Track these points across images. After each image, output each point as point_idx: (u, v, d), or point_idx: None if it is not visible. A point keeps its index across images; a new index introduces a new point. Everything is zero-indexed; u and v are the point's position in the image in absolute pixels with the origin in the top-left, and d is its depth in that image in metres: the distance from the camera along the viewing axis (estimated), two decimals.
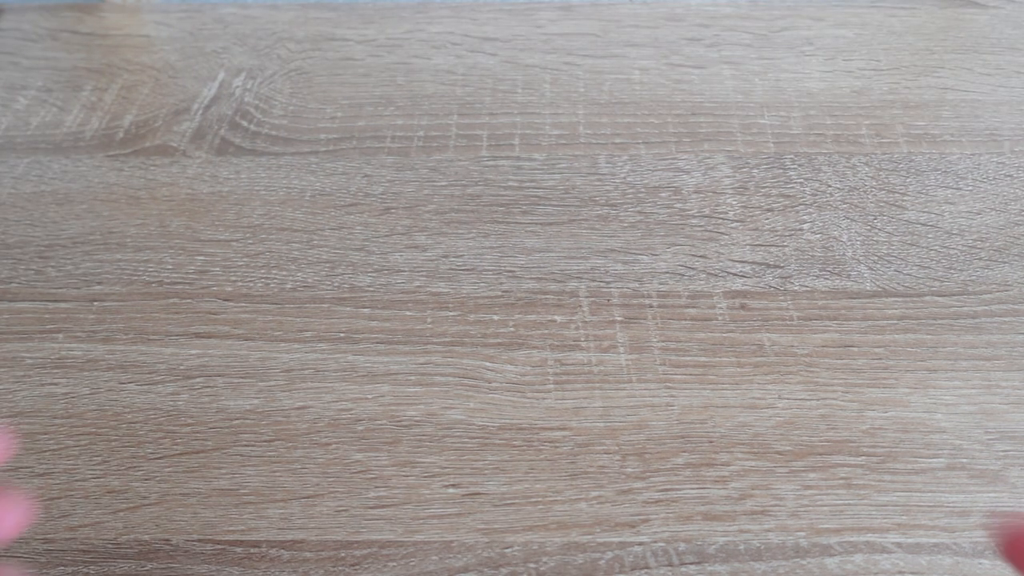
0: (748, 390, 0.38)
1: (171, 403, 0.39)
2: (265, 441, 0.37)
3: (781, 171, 0.48)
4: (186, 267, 0.44)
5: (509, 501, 0.35)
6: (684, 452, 0.37)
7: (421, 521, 0.35)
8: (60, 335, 0.41)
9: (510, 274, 0.43)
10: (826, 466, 0.36)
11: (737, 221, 0.45)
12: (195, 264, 0.44)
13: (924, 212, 0.46)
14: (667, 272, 0.43)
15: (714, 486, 0.36)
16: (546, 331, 0.41)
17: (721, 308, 0.41)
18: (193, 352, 0.40)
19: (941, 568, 0.33)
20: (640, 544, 0.34)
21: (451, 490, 0.36)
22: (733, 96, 0.53)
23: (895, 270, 0.43)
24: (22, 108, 0.53)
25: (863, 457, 0.36)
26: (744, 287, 0.42)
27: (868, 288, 0.42)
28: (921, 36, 0.57)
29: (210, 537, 0.35)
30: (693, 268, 0.43)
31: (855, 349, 0.40)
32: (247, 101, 0.53)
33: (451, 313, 0.42)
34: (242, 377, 0.39)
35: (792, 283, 0.42)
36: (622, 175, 0.48)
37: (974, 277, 0.43)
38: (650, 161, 0.49)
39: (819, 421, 0.37)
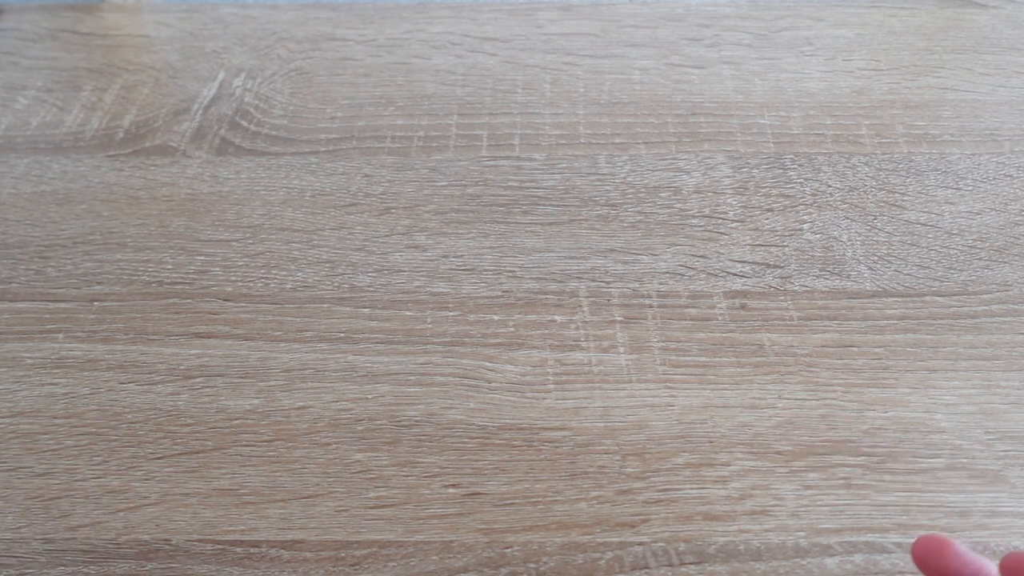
0: (748, 390, 0.38)
1: (171, 403, 0.39)
2: (265, 441, 0.37)
3: (781, 171, 0.48)
4: (186, 267, 0.44)
5: (509, 501, 0.35)
6: (684, 452, 0.36)
7: (421, 521, 0.35)
8: (60, 335, 0.41)
9: (510, 274, 0.43)
10: (826, 466, 0.36)
11: (737, 221, 0.45)
12: (195, 264, 0.44)
13: (924, 212, 0.46)
14: (667, 272, 0.43)
15: (714, 486, 0.36)
16: (546, 331, 0.41)
17: (721, 308, 0.41)
18: (193, 352, 0.40)
19: None
20: (640, 544, 0.34)
21: (451, 490, 0.36)
22: (733, 96, 0.53)
23: (895, 270, 0.43)
24: (22, 108, 0.53)
25: (863, 457, 0.36)
26: (744, 287, 0.42)
27: (868, 288, 0.42)
28: (921, 36, 0.57)
29: (210, 537, 0.35)
30: (693, 268, 0.43)
31: (855, 349, 0.40)
32: (247, 101, 0.53)
33: (451, 313, 0.42)
34: (242, 377, 0.39)
35: (792, 283, 0.42)
36: (622, 175, 0.48)
37: (974, 277, 0.43)
38: (650, 161, 0.49)
39: (819, 421, 0.37)
